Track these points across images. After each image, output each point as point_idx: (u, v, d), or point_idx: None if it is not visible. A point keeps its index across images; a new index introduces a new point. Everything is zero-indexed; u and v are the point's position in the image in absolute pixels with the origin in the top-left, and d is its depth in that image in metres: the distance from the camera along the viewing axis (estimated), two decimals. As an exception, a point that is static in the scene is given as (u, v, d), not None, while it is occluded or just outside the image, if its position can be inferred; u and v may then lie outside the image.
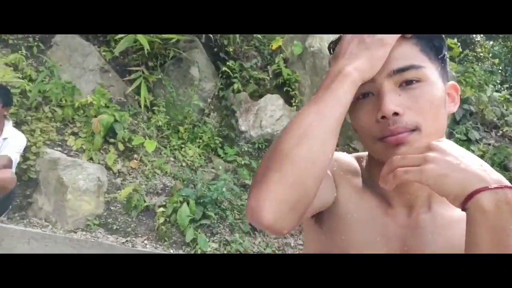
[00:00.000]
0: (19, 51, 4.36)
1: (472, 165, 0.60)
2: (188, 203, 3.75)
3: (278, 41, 5.41)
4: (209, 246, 3.59)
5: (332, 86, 0.65)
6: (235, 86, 5.04)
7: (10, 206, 3.23)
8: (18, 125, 3.65)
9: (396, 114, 0.66)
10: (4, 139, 3.04)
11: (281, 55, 5.39)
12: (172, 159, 4.45)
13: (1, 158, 2.92)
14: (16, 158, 3.08)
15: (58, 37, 4.72)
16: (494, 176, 0.59)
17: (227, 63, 5.16)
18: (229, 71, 5.11)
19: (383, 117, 0.67)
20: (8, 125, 3.14)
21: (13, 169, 3.04)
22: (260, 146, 4.80)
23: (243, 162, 4.63)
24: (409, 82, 0.68)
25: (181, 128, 4.73)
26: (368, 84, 0.68)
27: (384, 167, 0.65)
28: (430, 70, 0.69)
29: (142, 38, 4.44)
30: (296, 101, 5.08)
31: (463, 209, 0.59)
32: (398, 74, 0.68)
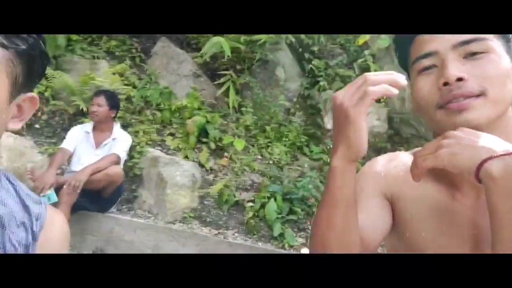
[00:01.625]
0: (124, 62, 4.88)
1: (481, 141, 0.60)
2: (275, 199, 3.87)
3: (364, 36, 5.31)
4: (296, 241, 3.66)
5: (329, 184, 0.71)
6: (321, 84, 5.07)
7: (119, 199, 3.64)
8: (124, 127, 4.08)
9: (460, 79, 0.65)
10: (113, 139, 3.45)
11: (367, 51, 5.28)
12: (259, 157, 4.62)
13: (111, 156, 3.31)
14: (123, 156, 3.47)
15: (156, 47, 5.18)
16: (503, 146, 0.59)
17: (312, 62, 5.21)
18: (314, 69, 5.15)
19: (445, 83, 0.66)
20: (116, 127, 3.54)
21: (121, 166, 3.43)
22: (347, 144, 4.76)
23: (328, 160, 4.63)
24: (474, 54, 0.67)
25: (267, 128, 4.89)
26: (431, 58, 0.69)
27: (411, 163, 0.67)
28: (496, 43, 0.68)
29: (224, 43, 4.67)
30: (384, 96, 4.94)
31: (479, 182, 0.59)
32: (462, 46, 0.67)
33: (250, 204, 3.94)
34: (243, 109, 4.95)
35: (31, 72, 0.67)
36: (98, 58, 4.80)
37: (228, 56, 4.76)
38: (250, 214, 3.85)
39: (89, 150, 3.38)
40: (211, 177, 4.21)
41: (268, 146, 4.76)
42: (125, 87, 4.51)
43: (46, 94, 4.29)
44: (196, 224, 3.76)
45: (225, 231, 3.75)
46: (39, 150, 3.86)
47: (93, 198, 3.27)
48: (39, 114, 4.22)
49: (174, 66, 5.06)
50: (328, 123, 4.94)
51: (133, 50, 5.14)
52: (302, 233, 3.78)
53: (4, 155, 3.50)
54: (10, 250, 0.73)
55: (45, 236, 0.79)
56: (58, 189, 3.05)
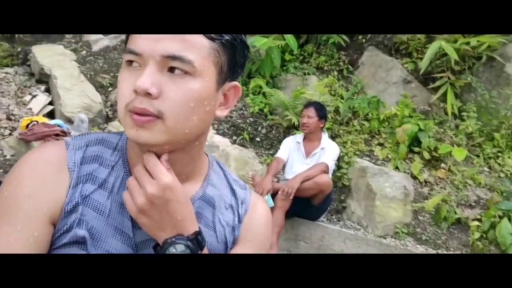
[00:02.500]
0: (332, 75, 4.99)
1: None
2: (509, 219, 3.22)
3: None
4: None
5: None
6: None
7: (328, 208, 3.69)
8: (332, 138, 4.16)
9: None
10: (322, 148, 3.53)
11: None
12: (486, 168, 3.97)
13: (320, 165, 3.40)
14: (332, 166, 3.51)
15: (364, 57, 5.12)
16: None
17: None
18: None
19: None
20: (325, 137, 3.63)
21: (330, 175, 3.48)
22: None
23: None
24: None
25: (496, 135, 4.17)
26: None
27: None
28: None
29: (448, 48, 4.21)
30: None
31: None
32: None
33: (476, 223, 3.40)
34: (463, 114, 4.37)
35: (234, 62, 0.71)
36: (308, 74, 5.07)
37: (456, 59, 4.26)
38: (477, 235, 3.32)
39: (300, 159, 3.56)
40: (425, 190, 3.84)
41: (497, 156, 4.05)
42: (333, 98, 4.60)
43: (265, 110, 4.76)
44: (410, 241, 3.47)
45: (445, 251, 3.33)
46: (259, 160, 4.30)
47: (304, 206, 3.41)
48: (259, 128, 4.72)
49: (382, 74, 4.89)
50: None
51: (341, 63, 5.22)
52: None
53: (232, 164, 4.03)
54: (219, 230, 0.79)
55: (249, 219, 0.83)
56: (274, 195, 3.30)
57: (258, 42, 4.67)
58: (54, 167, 0.69)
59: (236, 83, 0.74)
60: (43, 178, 0.67)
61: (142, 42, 0.65)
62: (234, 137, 4.59)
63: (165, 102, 0.64)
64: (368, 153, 4.21)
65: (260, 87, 4.90)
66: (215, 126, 4.67)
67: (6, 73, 5.02)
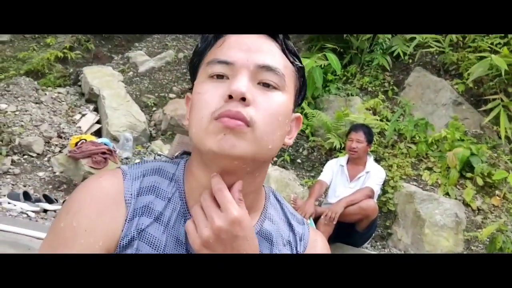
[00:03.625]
0: (377, 96, 4.88)
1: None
2: None
3: None
4: None
5: None
6: None
7: (373, 234, 3.54)
8: (377, 161, 4.02)
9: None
10: (367, 172, 3.41)
11: None
12: (547, 197, 3.68)
13: (365, 189, 3.27)
14: (377, 190, 3.38)
15: (410, 78, 4.97)
16: None
17: None
18: None
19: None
20: (370, 160, 3.50)
21: (375, 200, 3.34)
22: None
23: None
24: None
25: (557, 161, 3.88)
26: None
27: None
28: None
29: (498, 59, 4.01)
30: None
31: None
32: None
33: (536, 256, 3.13)
34: (519, 138, 4.11)
35: (301, 89, 0.73)
36: (352, 95, 4.98)
37: (506, 69, 4.02)
38: (537, 269, 3.05)
39: (344, 183, 3.45)
40: (479, 218, 3.60)
41: (558, 184, 3.75)
42: (378, 121, 4.47)
43: (307, 131, 4.70)
44: (462, 272, 3.24)
45: (501, 286, 3.08)
46: (300, 182, 4.22)
47: (348, 231, 3.29)
48: (301, 149, 4.65)
49: (430, 95, 4.72)
50: None
51: (386, 84, 5.09)
52: None
53: (273, 185, 3.98)
54: None
55: None
56: (316, 219, 3.20)
57: (300, 63, 4.65)
58: (111, 199, 0.67)
59: (299, 114, 0.74)
60: (100, 211, 0.66)
61: (234, 53, 0.65)
62: (275, 158, 4.55)
63: (257, 111, 0.63)
64: (415, 178, 4.03)
65: (302, 108, 4.86)
66: (256, 146, 4.65)
67: (59, 93, 5.28)
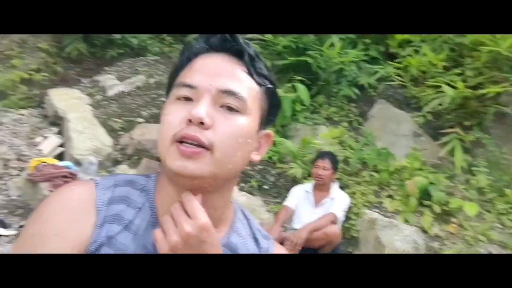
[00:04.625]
0: (342, 125, 5.03)
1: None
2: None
3: None
4: None
5: None
6: None
7: (337, 261, 3.57)
8: (342, 188, 4.10)
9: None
10: (331, 198, 3.48)
11: None
12: (498, 225, 3.86)
13: (329, 215, 3.33)
14: (340, 216, 3.44)
15: (374, 110, 5.18)
16: None
17: None
18: None
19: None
20: (334, 186, 3.58)
21: (339, 226, 3.40)
22: None
23: None
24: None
25: (508, 191, 4.09)
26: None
27: None
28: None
29: (449, 89, 4.27)
30: None
31: None
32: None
33: (490, 282, 3.25)
34: (473, 169, 4.33)
35: (271, 110, 0.76)
36: (318, 124, 5.12)
37: (452, 97, 4.28)
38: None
39: (309, 208, 3.50)
40: (436, 244, 3.72)
41: (509, 212, 3.95)
42: (343, 149, 4.60)
43: (274, 158, 4.77)
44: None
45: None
46: (266, 208, 4.24)
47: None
48: (267, 176, 4.70)
49: (392, 126, 4.93)
50: None
51: (351, 115, 5.28)
52: None
53: (238, 212, 3.98)
54: None
55: None
56: (281, 244, 3.22)
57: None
58: (82, 206, 0.68)
59: (269, 131, 0.77)
60: (71, 217, 0.67)
61: (198, 77, 0.68)
62: (242, 184, 4.56)
63: (216, 134, 0.66)
64: (377, 205, 4.14)
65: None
66: (223, 172, 4.65)
67: (21, 114, 5.15)
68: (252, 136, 0.71)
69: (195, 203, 0.66)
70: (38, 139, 4.89)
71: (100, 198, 0.70)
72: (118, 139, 5.12)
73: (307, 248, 3.18)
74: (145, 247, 0.69)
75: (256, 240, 0.82)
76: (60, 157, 4.71)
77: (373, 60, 5.60)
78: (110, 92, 5.71)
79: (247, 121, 0.69)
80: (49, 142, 4.82)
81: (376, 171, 4.44)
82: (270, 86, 0.74)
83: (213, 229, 0.67)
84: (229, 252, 0.75)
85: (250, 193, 4.42)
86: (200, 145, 0.65)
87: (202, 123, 0.65)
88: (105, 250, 0.67)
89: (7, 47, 5.96)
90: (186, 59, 0.73)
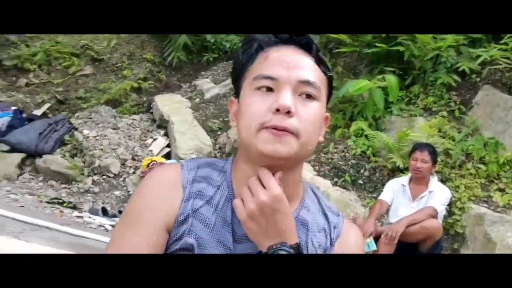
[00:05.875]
0: (441, 115, 4.73)
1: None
2: None
3: None
4: None
5: None
6: None
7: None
8: (442, 182, 3.88)
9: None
10: (430, 192, 3.32)
11: None
12: None
13: (427, 208, 3.18)
14: (441, 210, 3.26)
15: (478, 97, 4.78)
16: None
17: None
18: None
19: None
20: (434, 180, 3.41)
21: (440, 220, 3.23)
22: None
23: None
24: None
25: None
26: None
27: None
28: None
29: None
30: None
31: None
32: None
33: None
34: None
35: (330, 95, 0.85)
36: (415, 115, 4.88)
37: None
38: None
39: (406, 202, 3.38)
40: (559, 243, 3.33)
41: None
42: (443, 140, 4.34)
43: (368, 152, 4.67)
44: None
45: None
46: (361, 203, 4.18)
47: (411, 252, 3.19)
48: (362, 170, 4.62)
49: (500, 114, 4.50)
50: None
51: (452, 104, 4.94)
52: None
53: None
54: (311, 250, 0.83)
55: (340, 244, 0.86)
56: (377, 238, 3.17)
57: (356, 86, 4.67)
58: (171, 184, 0.81)
59: (327, 114, 0.86)
60: (161, 193, 0.80)
61: (277, 69, 0.77)
62: (336, 179, 4.55)
63: (300, 121, 0.76)
64: (485, 199, 3.83)
65: (362, 129, 4.85)
66: (317, 167, 4.69)
67: (133, 119, 5.75)
68: (322, 119, 0.82)
69: (269, 176, 0.76)
70: (149, 141, 5.43)
71: (185, 177, 0.82)
72: (216, 138, 5.46)
73: (405, 242, 3.08)
74: (225, 219, 0.80)
75: (325, 215, 0.88)
76: (167, 156, 5.18)
77: (473, 43, 5.14)
78: (207, 95, 6.10)
79: (321, 106, 0.80)
80: (158, 143, 5.33)
81: (483, 163, 4.11)
82: (330, 74, 0.83)
83: (286, 200, 0.76)
84: (299, 225, 0.82)
85: (344, 188, 4.40)
86: (288, 131, 0.74)
87: (288, 112, 0.74)
88: (191, 221, 0.78)
89: (118, 60, 6.70)
90: (255, 51, 0.81)
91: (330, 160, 4.75)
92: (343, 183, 4.49)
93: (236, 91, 0.85)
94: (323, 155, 4.85)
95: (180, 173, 0.83)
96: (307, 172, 4.35)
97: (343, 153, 4.82)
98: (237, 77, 0.84)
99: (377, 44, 5.19)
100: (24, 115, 5.45)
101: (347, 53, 5.92)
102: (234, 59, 0.86)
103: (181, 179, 0.82)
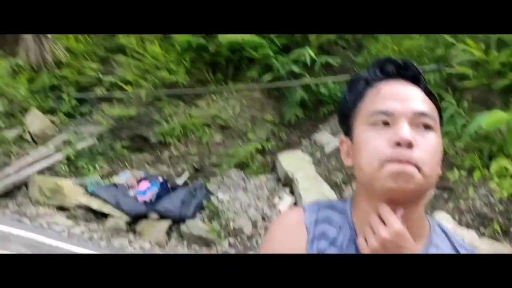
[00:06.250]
0: None
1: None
2: None
3: None
4: None
5: None
6: None
7: None
8: None
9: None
10: None
11: None
12: None
13: None
14: None
15: None
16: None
17: None
18: None
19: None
20: None
21: None
22: None
23: None
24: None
25: None
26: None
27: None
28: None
29: None
30: None
31: None
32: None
33: None
34: None
35: (441, 122, 0.88)
36: None
37: None
38: None
39: None
40: None
41: None
42: None
43: None
44: None
45: None
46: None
47: None
48: (512, 217, 4.08)
49: None
50: None
51: None
52: None
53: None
54: None
55: None
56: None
57: (490, 119, 4.24)
58: (294, 226, 0.87)
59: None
60: (287, 236, 0.87)
61: (391, 103, 0.79)
62: (482, 229, 4.10)
63: (421, 152, 0.76)
64: None
65: (506, 168, 4.33)
66: (456, 217, 4.30)
67: (260, 180, 6.08)
68: (441, 150, 0.81)
69: (389, 212, 0.76)
70: (276, 200, 5.64)
71: (307, 219, 0.87)
72: (341, 192, 5.43)
73: None
74: None
75: (458, 253, 0.85)
76: (294, 214, 5.29)
77: None
78: (327, 148, 6.16)
79: (439, 138, 0.80)
80: (284, 202, 5.51)
81: None
82: (439, 104, 0.84)
83: (408, 235, 0.75)
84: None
85: (493, 238, 3.92)
86: (411, 163, 0.75)
87: (409, 144, 0.75)
88: None
89: (243, 125, 7.24)
90: (363, 88, 0.84)
91: (471, 207, 4.32)
92: (491, 232, 4.02)
93: (347, 131, 0.88)
94: (463, 202, 4.43)
95: (303, 216, 0.88)
96: (447, 223, 4.01)
97: (486, 198, 4.35)
98: (346, 116, 0.87)
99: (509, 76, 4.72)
100: (168, 185, 6.18)
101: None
102: (340, 99, 0.90)
103: (304, 221, 0.87)
